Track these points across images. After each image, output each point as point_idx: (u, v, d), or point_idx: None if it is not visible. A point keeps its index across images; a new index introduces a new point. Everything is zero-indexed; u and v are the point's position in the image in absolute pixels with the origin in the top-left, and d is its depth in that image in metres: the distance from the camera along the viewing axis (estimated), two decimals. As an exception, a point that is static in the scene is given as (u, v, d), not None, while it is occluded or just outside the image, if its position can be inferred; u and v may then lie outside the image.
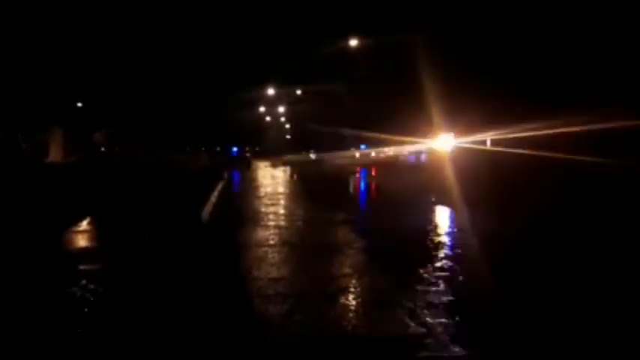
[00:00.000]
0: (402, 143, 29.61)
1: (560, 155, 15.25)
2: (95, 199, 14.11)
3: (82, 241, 8.95)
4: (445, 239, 8.66)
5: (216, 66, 45.01)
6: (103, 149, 41.66)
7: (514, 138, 18.30)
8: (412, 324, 4.62)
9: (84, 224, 10.31)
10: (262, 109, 60.26)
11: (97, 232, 9.92)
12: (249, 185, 22.91)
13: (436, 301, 5.27)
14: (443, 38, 21.94)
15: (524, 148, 17.53)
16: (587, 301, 5.25)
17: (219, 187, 20.04)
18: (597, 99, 14.77)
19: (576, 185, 13.31)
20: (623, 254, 7.22)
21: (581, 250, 7.61)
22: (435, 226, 10.22)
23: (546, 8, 18.40)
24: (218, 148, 62.21)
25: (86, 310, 5.16)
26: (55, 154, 33.35)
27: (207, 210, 12.60)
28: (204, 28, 42.70)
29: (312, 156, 47.85)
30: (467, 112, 20.45)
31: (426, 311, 4.95)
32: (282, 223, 10.90)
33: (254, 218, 11.46)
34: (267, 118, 66.18)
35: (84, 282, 5.99)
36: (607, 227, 9.11)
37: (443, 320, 4.71)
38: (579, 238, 8.54)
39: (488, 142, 21.50)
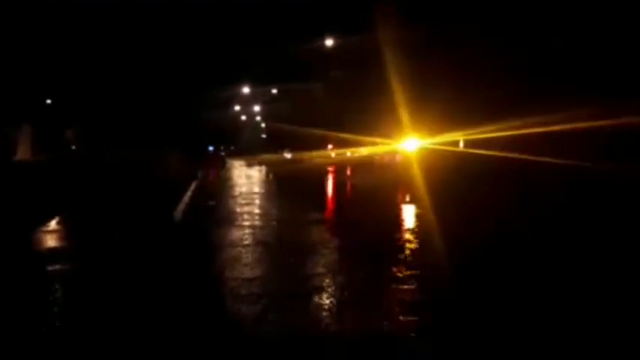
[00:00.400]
0: (376, 144, 29.93)
1: (522, 156, 15.51)
2: (66, 198, 13.82)
3: (51, 241, 8.79)
4: (412, 237, 8.76)
5: (191, 64, 44.51)
6: (73, 147, 40.76)
7: (485, 139, 18.58)
8: (385, 322, 4.70)
9: (53, 224, 10.12)
10: (237, 107, 59.86)
11: (67, 231, 9.75)
12: (223, 185, 22.74)
13: (407, 297, 5.37)
14: (416, 36, 22.10)
15: (496, 150, 17.80)
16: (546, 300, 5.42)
17: (193, 186, 19.85)
18: (582, 96, 14.55)
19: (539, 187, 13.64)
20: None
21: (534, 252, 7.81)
22: (405, 225, 10.36)
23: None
24: (192, 147, 61.39)
25: (55, 311, 5.09)
26: (23, 152, 32.51)
27: (180, 209, 12.49)
28: (179, 26, 42.18)
29: (288, 155, 47.69)
30: (435, 113, 20.64)
31: (397, 308, 5.04)
32: (257, 222, 10.88)
33: (228, 218, 11.41)
34: (243, 117, 65.78)
35: (52, 283, 5.90)
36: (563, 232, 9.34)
37: (413, 317, 4.80)
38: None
39: (461, 144, 21.83)
